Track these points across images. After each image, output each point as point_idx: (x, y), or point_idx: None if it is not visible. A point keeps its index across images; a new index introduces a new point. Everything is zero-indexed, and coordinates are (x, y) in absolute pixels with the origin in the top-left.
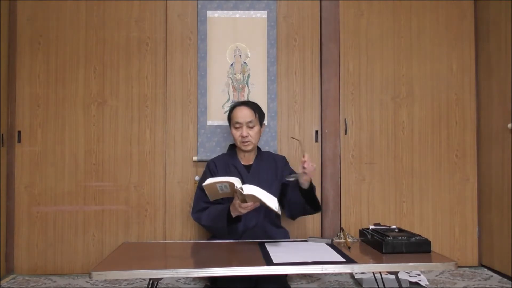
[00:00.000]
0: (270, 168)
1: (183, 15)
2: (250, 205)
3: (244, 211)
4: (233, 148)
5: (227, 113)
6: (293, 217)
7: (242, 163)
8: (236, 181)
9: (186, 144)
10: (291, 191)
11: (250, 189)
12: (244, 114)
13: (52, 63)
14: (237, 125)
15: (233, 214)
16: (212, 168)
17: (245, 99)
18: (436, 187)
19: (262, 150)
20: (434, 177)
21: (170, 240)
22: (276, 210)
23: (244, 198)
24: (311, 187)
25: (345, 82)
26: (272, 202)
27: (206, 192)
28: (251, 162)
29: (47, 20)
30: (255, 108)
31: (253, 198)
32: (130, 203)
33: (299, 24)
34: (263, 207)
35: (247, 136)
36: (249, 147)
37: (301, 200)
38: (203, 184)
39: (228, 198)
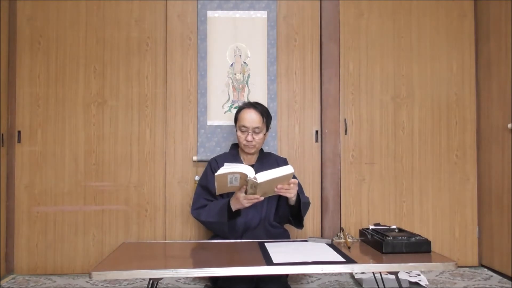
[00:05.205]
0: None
1: (183, 15)
2: (255, 197)
3: (247, 204)
4: (235, 147)
5: (227, 113)
6: (279, 223)
7: (244, 164)
8: (249, 171)
9: (186, 144)
10: (282, 201)
11: (263, 176)
12: (252, 119)
13: (52, 63)
14: (243, 129)
15: (233, 208)
16: (214, 166)
17: (245, 99)
18: (436, 187)
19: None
20: (434, 177)
21: (170, 240)
22: (292, 172)
23: (253, 191)
24: (299, 204)
25: (345, 82)
26: (286, 170)
27: (215, 183)
28: (253, 163)
29: (47, 20)
30: (263, 112)
31: (266, 186)
32: (130, 203)
33: (299, 24)
34: (265, 207)
35: (251, 141)
36: (252, 151)
37: (286, 213)
38: (216, 173)
39: (228, 194)
